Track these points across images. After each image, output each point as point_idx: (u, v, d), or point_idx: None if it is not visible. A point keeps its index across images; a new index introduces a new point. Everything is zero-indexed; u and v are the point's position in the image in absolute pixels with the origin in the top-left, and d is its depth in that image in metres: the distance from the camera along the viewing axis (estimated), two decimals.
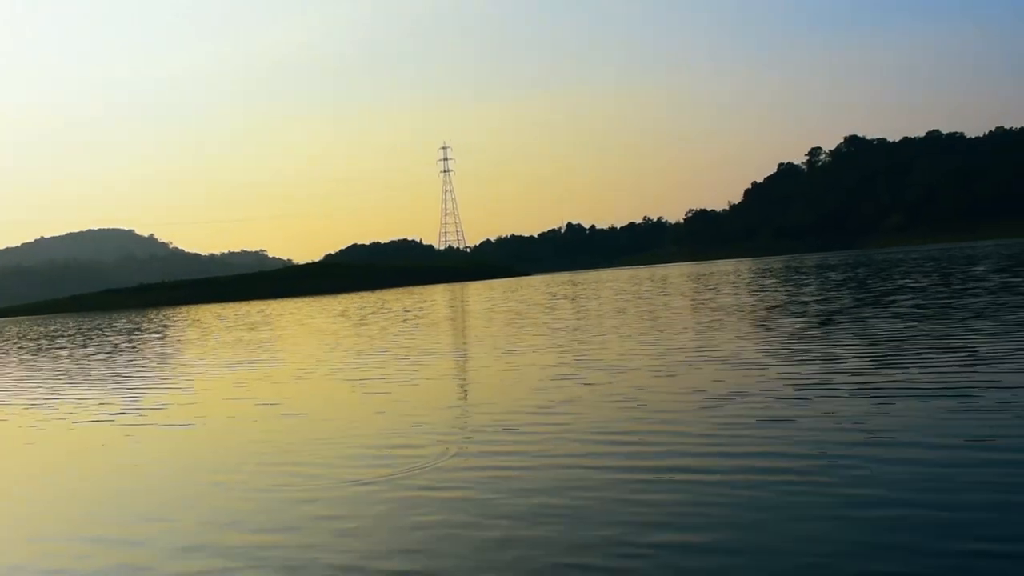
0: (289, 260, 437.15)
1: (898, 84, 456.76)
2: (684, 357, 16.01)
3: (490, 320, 33.73)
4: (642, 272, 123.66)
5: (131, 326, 58.99)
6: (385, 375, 16.98)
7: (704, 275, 76.08)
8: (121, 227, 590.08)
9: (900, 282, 38.16)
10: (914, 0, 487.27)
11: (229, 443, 11.08)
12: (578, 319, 29.79)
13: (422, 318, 38.44)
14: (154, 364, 24.75)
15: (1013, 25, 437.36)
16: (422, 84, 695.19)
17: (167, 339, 38.00)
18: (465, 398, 13.39)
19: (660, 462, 8.10)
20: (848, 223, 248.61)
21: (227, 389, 17.04)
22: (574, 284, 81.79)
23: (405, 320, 37.69)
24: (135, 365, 24.77)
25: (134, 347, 33.60)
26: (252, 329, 40.92)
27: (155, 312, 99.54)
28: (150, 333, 45.36)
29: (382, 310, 51.03)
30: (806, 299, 30.76)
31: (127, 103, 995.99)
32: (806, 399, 10.77)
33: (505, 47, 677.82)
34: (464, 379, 15.71)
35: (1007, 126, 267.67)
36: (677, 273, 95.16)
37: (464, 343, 23.71)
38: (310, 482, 8.36)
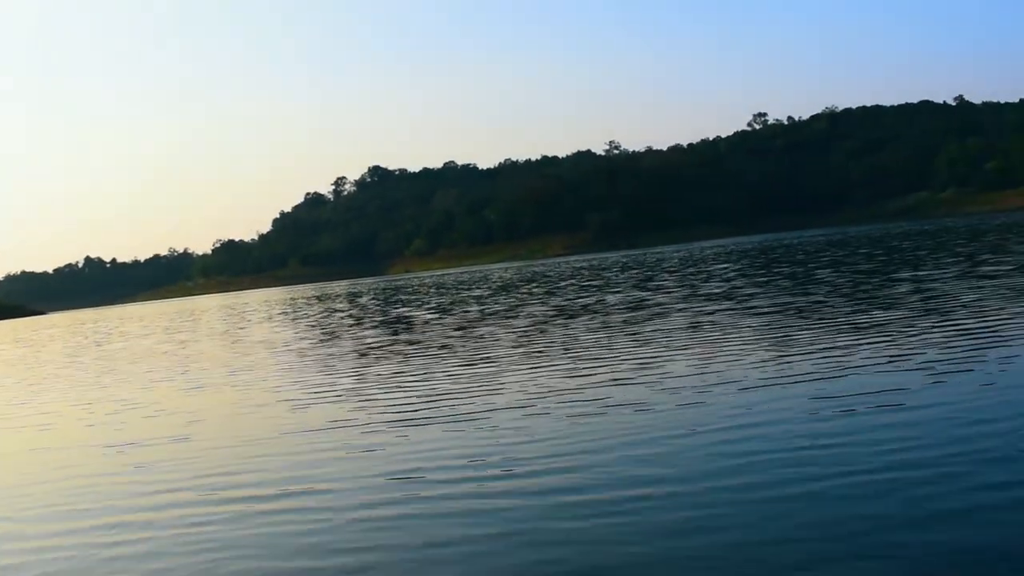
0: None
1: (420, 116, 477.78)
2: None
3: None
4: (149, 308, 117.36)
5: None
6: None
7: (222, 308, 73.01)
8: None
9: (397, 311, 37.94)
10: (428, 38, 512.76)
11: None
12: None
13: None
14: None
15: (504, 66, 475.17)
16: None
17: None
18: None
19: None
20: (374, 249, 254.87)
21: None
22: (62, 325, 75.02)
23: None
24: None
25: None
26: None
27: None
28: None
29: None
30: (287, 333, 29.18)
31: None
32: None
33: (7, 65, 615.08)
34: None
35: (514, 158, 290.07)
36: (186, 308, 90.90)
37: None
38: None
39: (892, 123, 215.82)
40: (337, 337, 26.10)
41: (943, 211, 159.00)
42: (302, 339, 27.27)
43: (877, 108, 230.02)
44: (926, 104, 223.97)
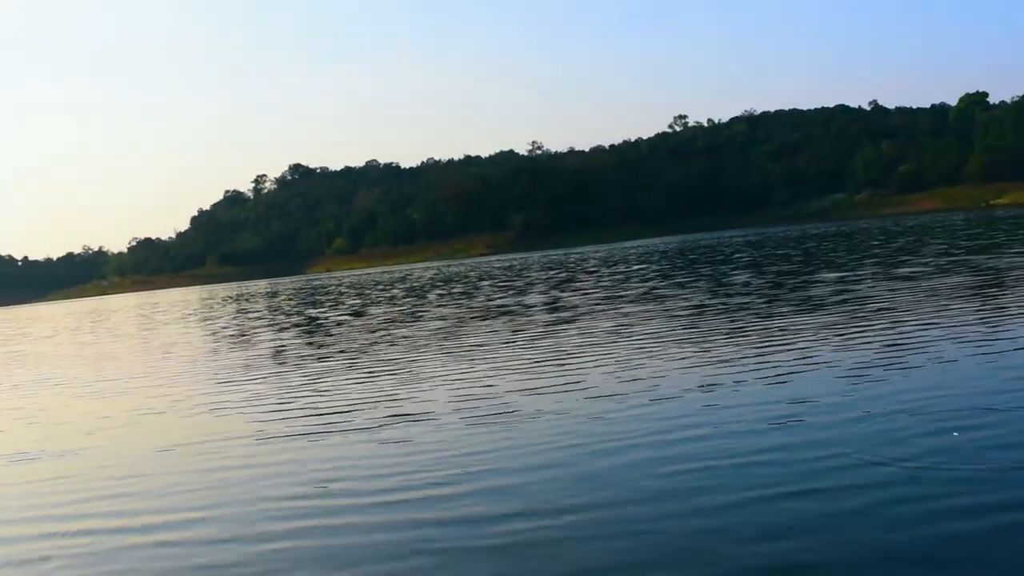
0: None
1: (342, 114, 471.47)
2: None
3: None
4: (60, 308, 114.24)
5: None
6: None
7: (133, 308, 71.09)
8: None
9: (311, 312, 37.06)
10: (349, 36, 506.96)
11: None
12: None
13: None
14: None
15: (427, 65, 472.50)
16: None
17: None
18: None
19: None
20: (294, 248, 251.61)
21: None
22: None
23: None
24: None
25: None
26: None
27: None
28: None
29: None
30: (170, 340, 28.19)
31: None
32: None
33: None
34: None
35: (437, 157, 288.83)
36: (98, 308, 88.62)
37: None
38: None
39: (809, 126, 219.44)
40: (245, 340, 25.22)
41: (859, 213, 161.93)
42: (208, 342, 26.33)
43: (795, 111, 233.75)
44: (842, 108, 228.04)
